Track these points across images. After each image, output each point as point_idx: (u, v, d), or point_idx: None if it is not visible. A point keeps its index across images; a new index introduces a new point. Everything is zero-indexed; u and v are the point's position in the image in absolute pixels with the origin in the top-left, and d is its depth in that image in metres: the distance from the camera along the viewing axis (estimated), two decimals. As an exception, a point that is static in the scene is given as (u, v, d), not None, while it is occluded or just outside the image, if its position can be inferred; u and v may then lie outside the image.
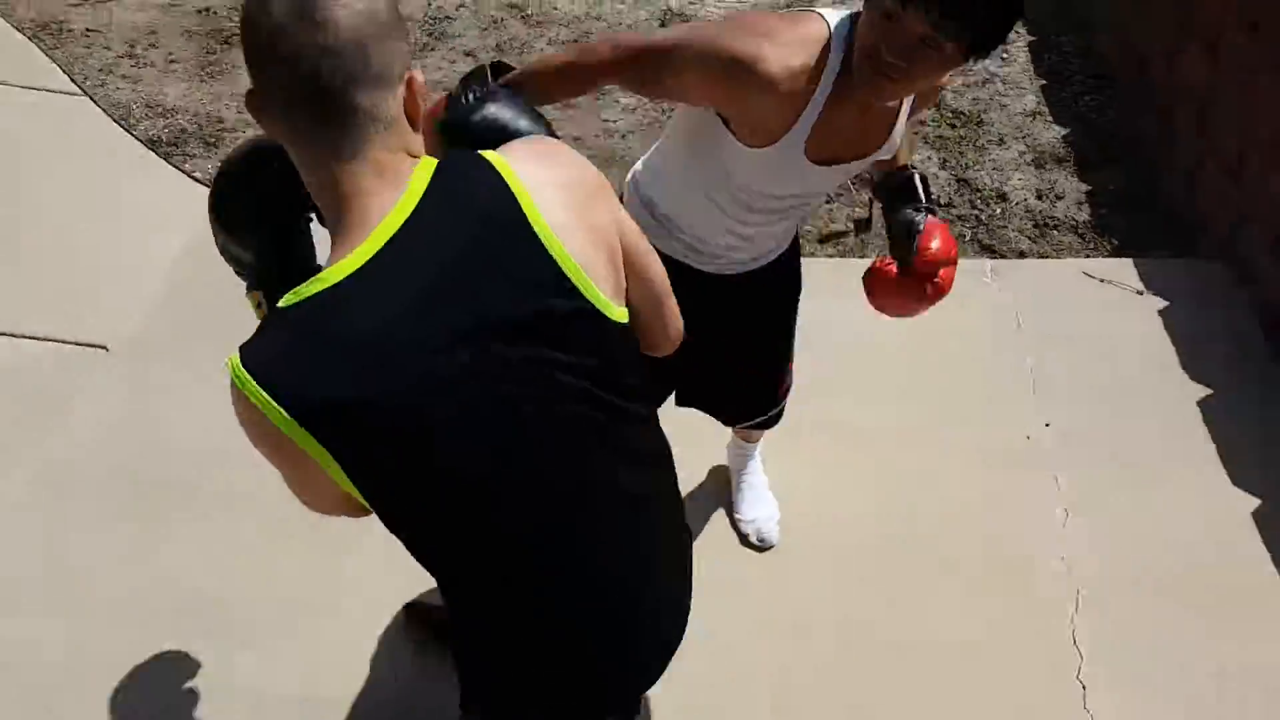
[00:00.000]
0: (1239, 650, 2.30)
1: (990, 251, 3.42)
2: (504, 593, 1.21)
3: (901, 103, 1.74)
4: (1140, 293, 3.22)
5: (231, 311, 1.58)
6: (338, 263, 1.01)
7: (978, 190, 3.66)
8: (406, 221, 1.02)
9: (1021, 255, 3.41)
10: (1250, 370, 2.96)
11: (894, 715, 2.21)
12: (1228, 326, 3.09)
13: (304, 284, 1.01)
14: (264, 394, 0.99)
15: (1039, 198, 3.64)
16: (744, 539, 2.54)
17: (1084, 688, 2.23)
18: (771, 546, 2.52)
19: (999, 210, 3.59)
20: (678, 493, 1.44)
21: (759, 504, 2.56)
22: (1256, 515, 2.57)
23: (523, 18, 4.59)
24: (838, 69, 1.59)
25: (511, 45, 4.40)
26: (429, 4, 4.66)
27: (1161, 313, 3.14)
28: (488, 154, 1.09)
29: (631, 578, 1.29)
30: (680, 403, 2.26)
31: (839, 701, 2.22)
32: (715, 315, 1.91)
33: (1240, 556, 2.49)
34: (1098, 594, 2.41)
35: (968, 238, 3.46)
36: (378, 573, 2.16)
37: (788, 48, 1.57)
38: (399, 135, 1.03)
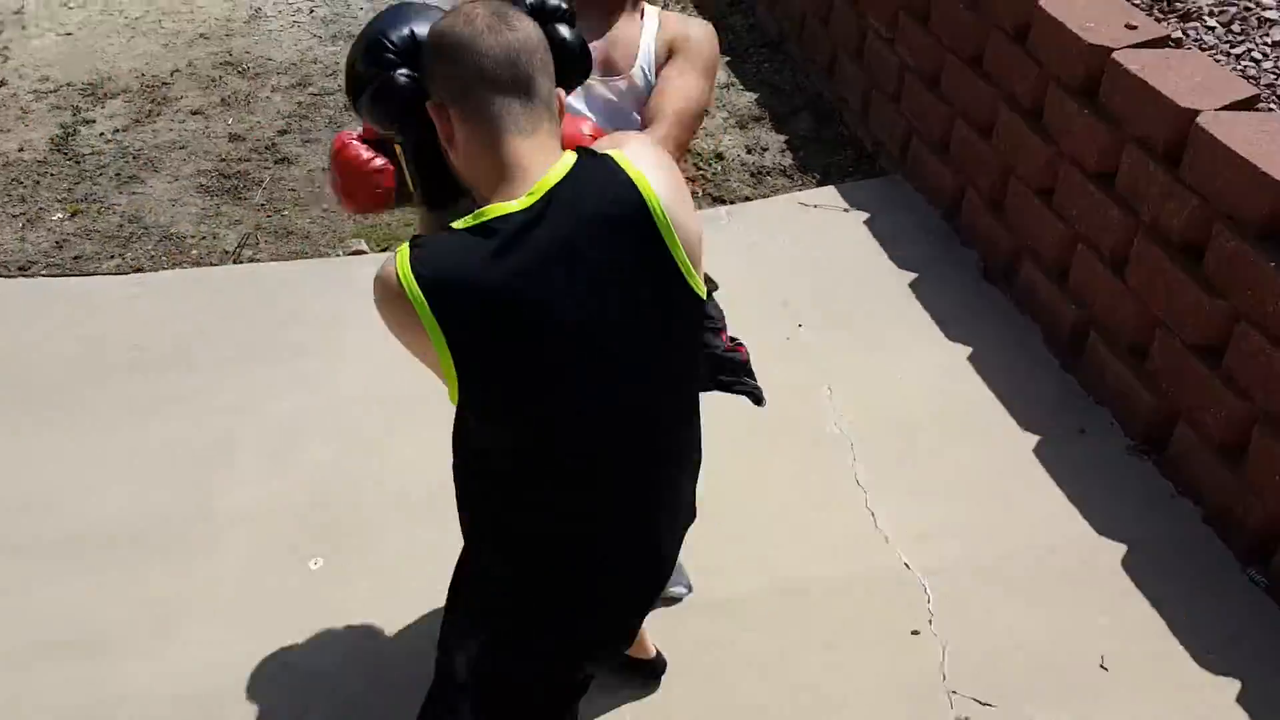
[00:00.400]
0: (968, 451, 2.94)
1: (721, 201, 3.98)
2: (549, 496, 1.43)
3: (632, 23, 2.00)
4: (846, 210, 3.88)
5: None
6: (504, 202, 1.31)
7: (699, 155, 4.22)
8: (556, 185, 1.32)
9: (746, 199, 3.99)
10: (939, 251, 3.66)
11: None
12: (917, 223, 3.80)
13: (481, 210, 1.32)
14: (409, 270, 1.27)
15: (748, 152, 4.25)
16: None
17: (865, 492, 2.80)
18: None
19: (720, 168, 4.16)
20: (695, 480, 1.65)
21: None
22: (971, 360, 3.23)
23: (239, 73, 4.77)
24: None
25: (236, 98, 4.58)
26: (142, 74, 4.74)
27: (865, 222, 3.80)
28: (614, 153, 1.37)
29: (661, 521, 1.52)
30: None
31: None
32: None
33: (960, 390, 3.14)
34: (866, 437, 2.98)
35: (700, 194, 4.00)
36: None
37: None
38: (556, 124, 1.38)
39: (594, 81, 1.96)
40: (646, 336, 1.39)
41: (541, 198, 1.31)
